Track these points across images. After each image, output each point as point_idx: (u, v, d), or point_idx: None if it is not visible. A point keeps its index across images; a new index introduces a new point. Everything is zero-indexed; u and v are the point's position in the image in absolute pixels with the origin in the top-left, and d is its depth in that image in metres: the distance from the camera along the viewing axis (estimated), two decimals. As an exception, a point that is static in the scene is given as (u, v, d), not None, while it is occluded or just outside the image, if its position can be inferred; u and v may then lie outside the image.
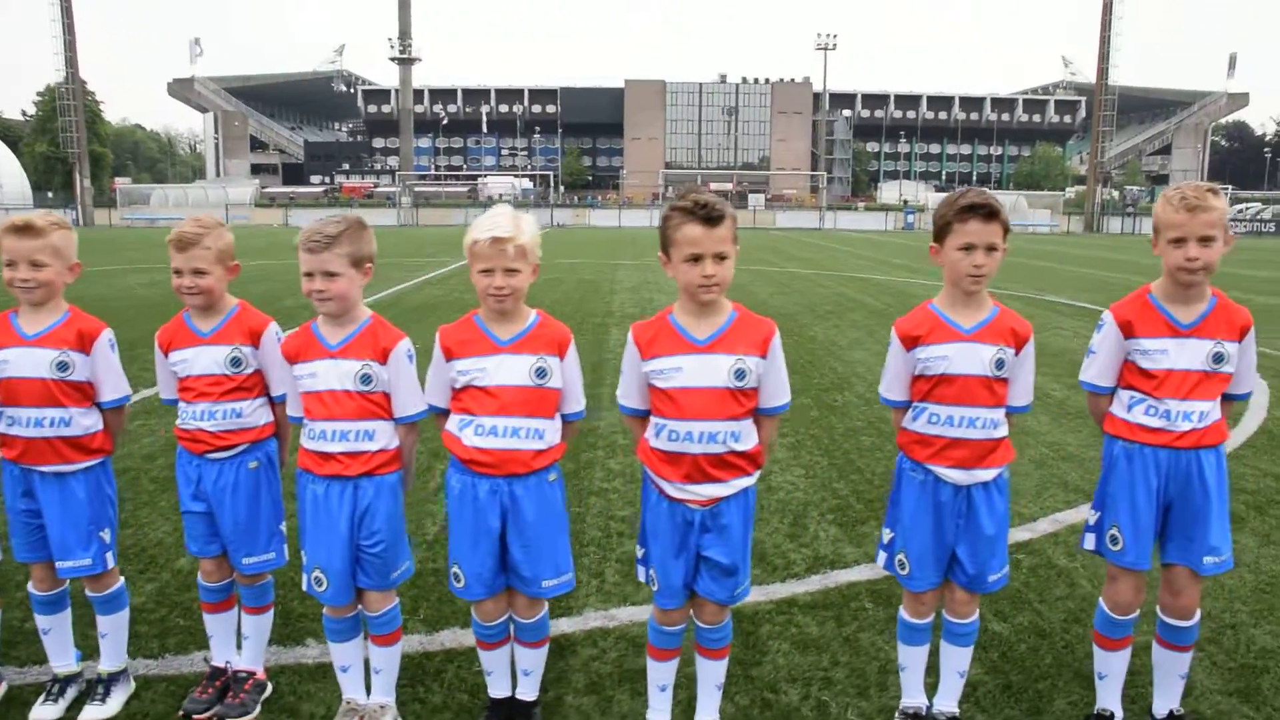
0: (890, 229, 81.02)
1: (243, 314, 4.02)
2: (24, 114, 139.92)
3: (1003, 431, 3.70)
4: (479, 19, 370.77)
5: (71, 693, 4.15)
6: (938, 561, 3.77)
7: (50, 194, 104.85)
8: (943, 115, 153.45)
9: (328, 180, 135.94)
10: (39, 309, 3.89)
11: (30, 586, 4.12)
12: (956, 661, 3.91)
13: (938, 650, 3.96)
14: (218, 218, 4.09)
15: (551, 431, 3.67)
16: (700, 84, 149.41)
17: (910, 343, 3.69)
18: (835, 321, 16.32)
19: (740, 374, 3.46)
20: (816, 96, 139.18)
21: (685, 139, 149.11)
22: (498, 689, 3.98)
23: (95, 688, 4.12)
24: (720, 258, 3.38)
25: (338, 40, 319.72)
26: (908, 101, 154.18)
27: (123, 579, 4.24)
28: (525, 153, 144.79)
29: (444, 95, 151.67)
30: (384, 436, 3.73)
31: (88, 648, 4.33)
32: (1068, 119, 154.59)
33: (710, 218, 3.34)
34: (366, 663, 3.95)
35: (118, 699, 4.11)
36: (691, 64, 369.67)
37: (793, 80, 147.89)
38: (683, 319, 3.53)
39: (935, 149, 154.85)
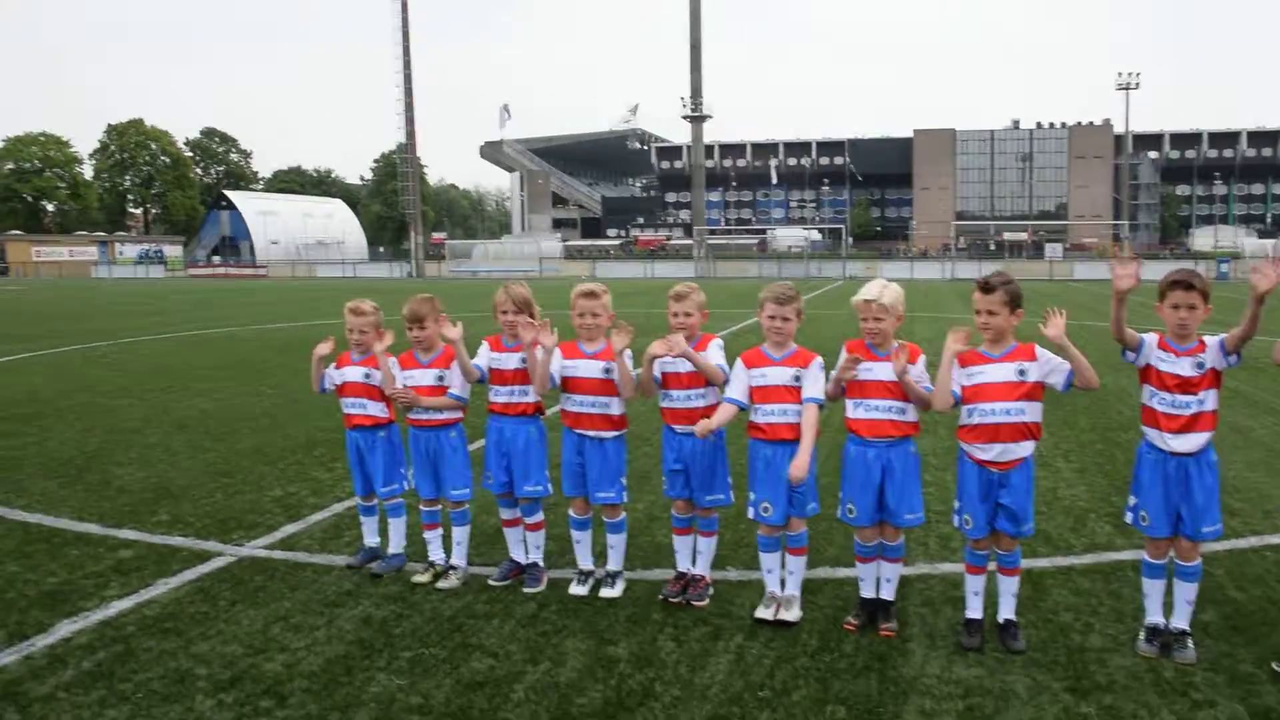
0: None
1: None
2: (361, 179, 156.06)
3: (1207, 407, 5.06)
4: (767, 74, 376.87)
5: (590, 581, 6.30)
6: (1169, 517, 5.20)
7: (381, 249, 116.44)
8: (1267, 151, 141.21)
9: (623, 233, 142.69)
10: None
11: (570, 512, 6.34)
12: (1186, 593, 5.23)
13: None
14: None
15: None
16: (992, 131, 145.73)
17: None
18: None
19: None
20: (1118, 139, 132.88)
21: (977, 188, 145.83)
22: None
23: (607, 578, 6.27)
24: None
25: (632, 100, 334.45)
26: (1224, 139, 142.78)
27: (625, 513, 6.32)
28: (814, 204, 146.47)
29: (733, 150, 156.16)
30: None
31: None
32: None
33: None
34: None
35: (620, 586, 6.24)
36: (983, 111, 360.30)
37: (1091, 123, 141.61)
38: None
39: (1258, 189, 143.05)
